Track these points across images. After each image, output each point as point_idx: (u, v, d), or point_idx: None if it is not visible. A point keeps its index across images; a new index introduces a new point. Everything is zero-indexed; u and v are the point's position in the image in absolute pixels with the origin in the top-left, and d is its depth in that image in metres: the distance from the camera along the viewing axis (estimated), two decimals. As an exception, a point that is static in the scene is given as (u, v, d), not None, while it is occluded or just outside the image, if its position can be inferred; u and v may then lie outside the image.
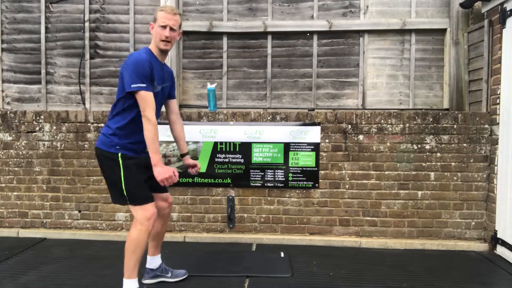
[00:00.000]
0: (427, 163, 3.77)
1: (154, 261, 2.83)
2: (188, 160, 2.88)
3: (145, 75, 2.37)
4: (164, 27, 2.45)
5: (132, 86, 2.34)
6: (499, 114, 3.58)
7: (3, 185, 4.04)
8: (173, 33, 2.49)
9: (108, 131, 2.49)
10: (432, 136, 3.76)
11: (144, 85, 2.35)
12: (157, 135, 2.38)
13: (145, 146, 2.45)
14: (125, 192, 2.44)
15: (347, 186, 3.82)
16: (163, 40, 2.46)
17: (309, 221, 3.87)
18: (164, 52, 2.55)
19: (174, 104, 2.83)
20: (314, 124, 3.83)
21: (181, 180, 3.88)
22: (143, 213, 2.43)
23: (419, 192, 3.78)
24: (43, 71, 4.46)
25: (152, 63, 2.45)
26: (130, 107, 2.44)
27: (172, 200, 2.86)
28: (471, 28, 4.03)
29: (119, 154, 2.44)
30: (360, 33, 4.30)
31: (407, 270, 3.19)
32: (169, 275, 2.85)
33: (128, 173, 2.44)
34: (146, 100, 2.36)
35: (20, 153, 4.03)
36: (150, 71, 2.40)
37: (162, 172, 2.37)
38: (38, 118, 4.00)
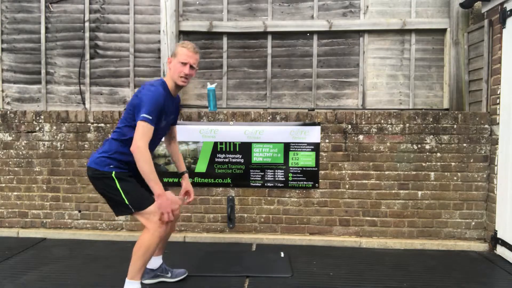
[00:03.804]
0: (427, 163, 3.77)
1: (155, 262, 2.82)
2: (186, 181, 2.82)
3: (156, 111, 2.35)
4: (185, 64, 2.47)
5: (142, 115, 2.30)
6: (499, 114, 3.58)
7: (3, 185, 4.04)
8: (192, 71, 2.52)
9: (105, 152, 2.47)
10: (432, 136, 3.76)
11: (150, 118, 2.31)
12: (151, 165, 2.31)
13: (133, 170, 2.47)
14: (127, 202, 2.40)
15: (347, 186, 3.82)
16: (181, 77, 2.48)
17: (309, 221, 3.87)
18: (179, 88, 2.57)
19: (174, 129, 2.86)
20: (314, 124, 3.83)
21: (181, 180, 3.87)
22: (155, 218, 2.39)
23: (419, 192, 3.78)
24: (43, 71, 4.46)
25: (165, 98, 2.45)
26: (126, 133, 2.44)
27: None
28: (471, 28, 4.03)
29: (113, 173, 2.42)
30: (360, 33, 4.30)
31: (407, 270, 3.19)
32: (169, 275, 2.85)
33: (125, 185, 2.42)
34: (147, 132, 2.31)
35: (20, 153, 4.03)
36: (163, 107, 2.40)
37: (166, 205, 2.35)
38: (38, 118, 4.00)
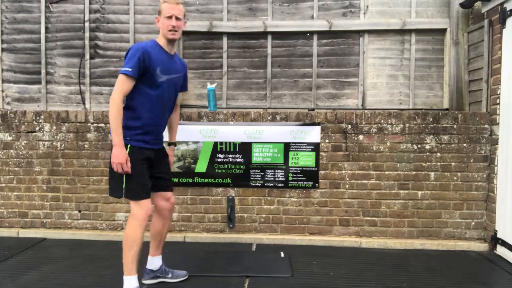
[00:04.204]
0: (427, 163, 3.77)
1: (154, 262, 2.82)
2: (170, 153, 2.88)
3: (135, 62, 2.40)
4: (170, 17, 2.50)
5: (121, 69, 2.42)
6: (499, 114, 3.58)
7: (3, 185, 4.04)
8: (179, 22, 2.54)
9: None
10: (432, 136, 3.76)
11: (130, 69, 2.40)
12: (118, 117, 2.39)
13: (156, 137, 2.58)
14: (123, 185, 2.45)
15: (347, 186, 3.82)
16: (170, 30, 2.51)
17: (309, 221, 3.87)
18: (171, 42, 2.59)
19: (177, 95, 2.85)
20: (314, 124, 3.83)
21: (181, 180, 3.88)
22: (139, 209, 2.48)
23: (419, 192, 3.78)
24: (43, 71, 4.46)
25: (152, 52, 2.49)
26: (130, 96, 2.50)
27: (175, 201, 2.83)
28: (471, 28, 4.03)
29: (129, 146, 2.48)
30: (360, 33, 4.30)
31: (407, 270, 3.19)
32: (170, 275, 2.85)
33: (131, 169, 2.45)
34: (123, 84, 2.42)
35: (20, 153, 4.03)
36: (143, 58, 2.42)
37: (118, 155, 2.38)
38: (38, 118, 4.00)
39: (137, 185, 2.47)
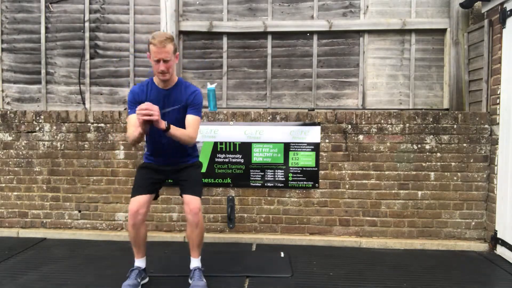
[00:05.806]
0: (427, 163, 3.77)
1: (191, 261, 2.79)
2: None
3: (128, 103, 2.70)
4: (158, 61, 2.52)
5: None
6: (499, 114, 3.58)
7: (3, 185, 4.04)
8: (168, 64, 2.54)
9: None
10: (432, 136, 3.76)
11: (129, 110, 2.68)
12: (130, 133, 2.63)
13: (164, 162, 2.77)
14: None
15: (347, 186, 3.82)
16: (159, 73, 2.56)
17: (309, 221, 3.87)
18: (164, 81, 2.63)
19: (187, 119, 2.67)
20: (314, 124, 3.83)
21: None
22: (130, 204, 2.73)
23: (419, 192, 3.78)
24: (43, 71, 4.46)
25: (140, 93, 2.66)
26: None
27: (195, 208, 2.62)
28: (471, 28, 4.03)
29: (143, 161, 2.91)
30: (360, 33, 4.30)
31: (407, 270, 3.18)
32: (190, 281, 2.74)
33: (137, 172, 2.84)
34: (128, 122, 2.72)
35: (20, 153, 4.02)
36: (134, 98, 2.65)
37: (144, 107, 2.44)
38: (38, 118, 4.00)
39: (133, 185, 2.78)
